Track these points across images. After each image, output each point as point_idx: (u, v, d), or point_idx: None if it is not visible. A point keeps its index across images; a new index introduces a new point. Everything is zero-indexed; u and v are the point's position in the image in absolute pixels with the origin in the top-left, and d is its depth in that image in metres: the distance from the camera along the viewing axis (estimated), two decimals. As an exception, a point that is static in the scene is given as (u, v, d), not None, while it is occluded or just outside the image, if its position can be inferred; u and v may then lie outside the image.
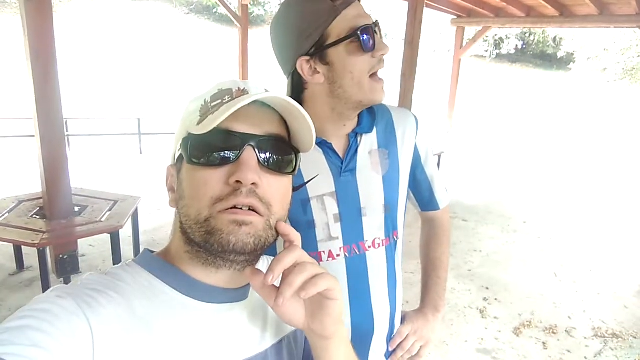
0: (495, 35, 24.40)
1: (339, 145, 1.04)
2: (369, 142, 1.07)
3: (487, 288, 3.67)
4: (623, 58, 18.24)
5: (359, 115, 1.07)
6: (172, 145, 0.64)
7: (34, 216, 3.13)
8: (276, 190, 0.59)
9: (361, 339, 1.09)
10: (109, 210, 3.32)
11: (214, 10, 22.88)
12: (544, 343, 2.98)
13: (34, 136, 3.04)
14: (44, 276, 2.84)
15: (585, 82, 21.60)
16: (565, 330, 3.13)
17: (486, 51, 25.65)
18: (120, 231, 3.14)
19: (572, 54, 21.56)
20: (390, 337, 1.17)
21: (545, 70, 26.51)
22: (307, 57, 0.96)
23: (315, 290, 0.55)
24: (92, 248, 3.87)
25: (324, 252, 1.04)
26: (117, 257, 3.19)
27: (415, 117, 1.16)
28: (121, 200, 3.54)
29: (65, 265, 3.16)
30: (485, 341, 2.97)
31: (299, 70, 0.98)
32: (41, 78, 2.90)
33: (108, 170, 6.63)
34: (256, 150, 0.57)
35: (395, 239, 1.12)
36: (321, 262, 1.04)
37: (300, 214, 1.03)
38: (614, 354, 2.91)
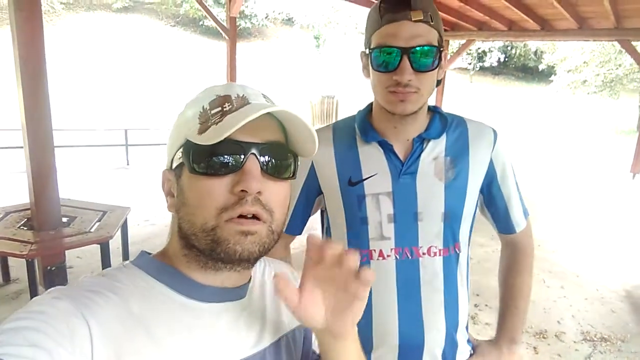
0: (479, 48, 24.89)
1: (400, 149, 1.04)
2: (435, 148, 1.05)
3: (478, 295, 3.70)
4: (602, 70, 18.70)
5: (430, 121, 1.07)
6: (167, 150, 0.64)
7: (22, 227, 3.07)
8: (277, 195, 0.60)
9: (410, 350, 1.05)
10: (98, 221, 3.28)
11: (200, 22, 22.93)
12: (534, 348, 3.01)
13: (22, 147, 3.01)
14: (33, 288, 2.79)
15: (566, 94, 22.10)
16: (555, 335, 3.17)
17: (469, 64, 26.10)
18: (110, 242, 3.10)
19: (553, 67, 22.06)
20: (447, 356, 1.09)
21: (527, 82, 27.10)
22: (365, 53, 1.02)
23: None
24: (79, 260, 3.81)
25: (374, 250, 1.03)
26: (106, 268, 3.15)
27: (494, 131, 1.11)
28: (110, 210, 3.50)
29: (53, 277, 3.09)
30: (477, 347, 2.99)
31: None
32: (30, 88, 2.87)
33: (95, 181, 6.56)
34: (258, 158, 0.57)
35: (457, 252, 1.07)
36: (371, 261, 1.03)
37: (355, 210, 1.04)
38: (603, 358, 2.95)
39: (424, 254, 1.03)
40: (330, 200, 1.10)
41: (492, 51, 25.60)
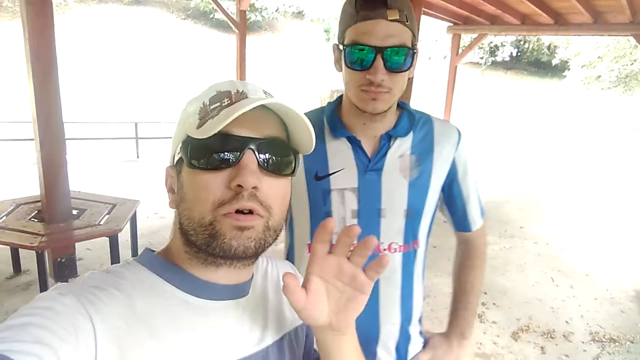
0: (491, 42, 24.57)
1: (368, 145, 1.05)
2: (402, 146, 1.06)
3: (485, 293, 3.68)
4: (617, 66, 18.41)
5: (398, 119, 1.07)
6: (171, 147, 0.64)
7: (32, 219, 3.11)
8: (275, 192, 0.59)
9: (364, 343, 1.07)
10: (108, 213, 3.31)
11: (211, 15, 22.92)
12: (542, 347, 2.99)
13: (32, 139, 3.04)
14: (42, 279, 2.82)
15: (580, 90, 21.78)
16: (563, 335, 3.15)
17: (481, 58, 25.80)
18: (119, 235, 3.13)
19: (567, 62, 21.74)
20: (400, 349, 1.12)
21: (539, 77, 26.74)
22: (339, 47, 1.00)
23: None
24: (89, 252, 3.85)
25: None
26: (115, 261, 3.18)
27: (458, 131, 1.13)
28: (120, 203, 3.53)
29: (63, 269, 3.14)
30: (484, 346, 2.97)
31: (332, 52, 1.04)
32: (41, 81, 2.90)
33: (105, 174, 6.62)
34: (256, 153, 0.57)
35: (415, 248, 1.09)
36: None
37: (320, 204, 1.04)
38: (612, 359, 2.92)
39: (384, 250, 1.05)
40: (295, 193, 1.11)
41: (504, 45, 25.27)
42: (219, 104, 0.58)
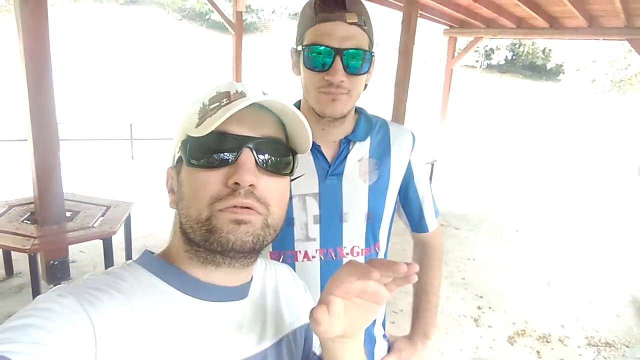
0: (486, 45, 24.68)
1: (328, 150, 1.05)
2: (360, 150, 1.07)
3: (481, 296, 3.68)
4: (611, 70, 18.59)
5: (356, 124, 1.08)
6: (172, 148, 0.65)
7: (25, 221, 3.07)
8: (273, 190, 0.60)
9: None
10: (102, 215, 3.27)
11: (207, 16, 22.87)
12: (538, 352, 2.98)
13: (25, 140, 3.00)
14: (35, 282, 2.78)
15: (574, 93, 21.92)
16: (559, 339, 3.15)
17: (477, 61, 25.91)
18: (113, 237, 3.10)
19: (561, 66, 21.92)
20: (367, 351, 1.14)
21: (534, 81, 26.87)
22: (297, 49, 1.01)
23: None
24: (82, 254, 3.81)
25: (299, 251, 1.05)
26: (109, 263, 3.14)
27: (412, 134, 1.16)
28: (114, 205, 3.49)
29: (55, 272, 3.10)
30: (480, 350, 2.96)
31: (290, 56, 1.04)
32: (35, 81, 2.86)
33: (99, 175, 6.56)
34: (254, 152, 0.57)
35: (377, 251, 1.12)
36: (296, 262, 1.05)
37: None
38: (607, 363, 2.93)
39: (347, 254, 1.06)
40: None
41: (499, 49, 25.38)
42: (218, 103, 0.59)
